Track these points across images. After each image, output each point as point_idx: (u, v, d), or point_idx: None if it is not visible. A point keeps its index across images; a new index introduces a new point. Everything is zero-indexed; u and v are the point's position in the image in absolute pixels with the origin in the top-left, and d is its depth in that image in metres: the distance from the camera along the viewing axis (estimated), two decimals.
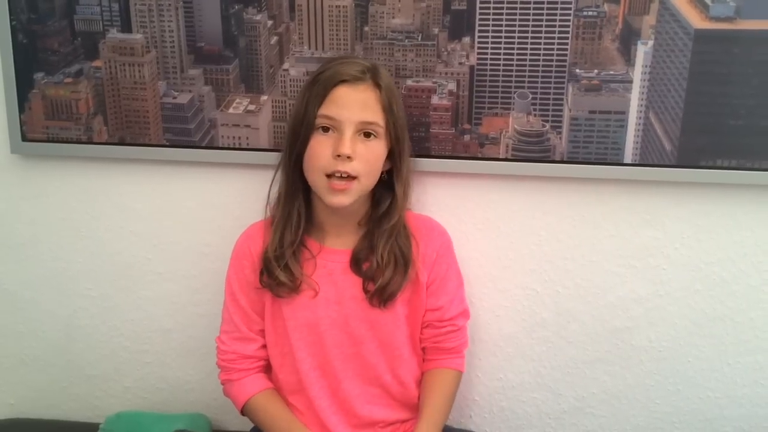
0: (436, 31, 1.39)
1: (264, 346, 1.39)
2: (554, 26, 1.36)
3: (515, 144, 1.43)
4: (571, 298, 1.52)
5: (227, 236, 1.49)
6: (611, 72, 1.37)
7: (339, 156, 1.24)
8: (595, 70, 1.38)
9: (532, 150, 1.43)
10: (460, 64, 1.40)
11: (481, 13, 1.37)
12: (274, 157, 1.39)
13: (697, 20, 1.32)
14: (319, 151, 1.26)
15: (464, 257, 1.47)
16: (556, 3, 1.34)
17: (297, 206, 1.33)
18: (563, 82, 1.39)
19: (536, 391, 1.58)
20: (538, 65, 1.38)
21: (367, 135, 1.27)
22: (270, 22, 1.43)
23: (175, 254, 1.58)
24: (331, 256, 1.35)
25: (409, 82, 1.42)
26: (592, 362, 1.55)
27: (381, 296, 1.32)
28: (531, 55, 1.38)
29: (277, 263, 1.31)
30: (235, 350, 1.38)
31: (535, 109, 1.41)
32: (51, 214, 1.59)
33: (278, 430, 1.35)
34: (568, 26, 1.36)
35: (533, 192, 1.46)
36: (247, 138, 1.48)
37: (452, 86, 1.42)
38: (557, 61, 1.38)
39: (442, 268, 1.38)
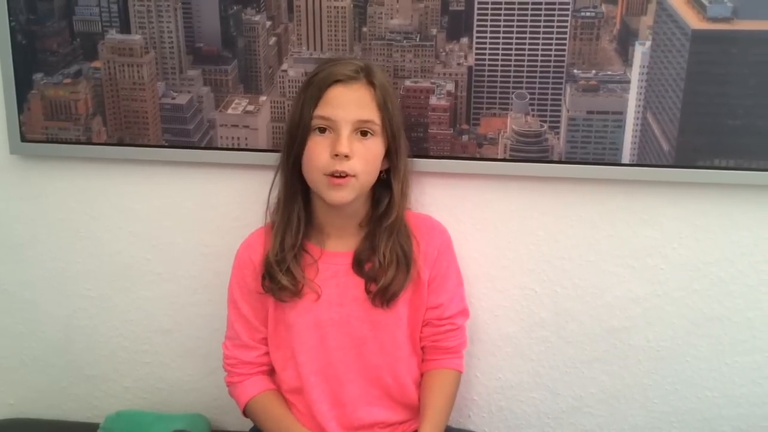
0: (434, 31, 1.40)
1: (266, 353, 1.40)
2: (552, 27, 1.36)
3: (513, 144, 1.43)
4: (569, 298, 1.52)
5: (226, 236, 1.49)
6: (609, 72, 1.38)
7: (337, 155, 1.25)
8: (593, 71, 1.38)
9: (530, 150, 1.43)
10: (459, 64, 1.41)
11: (479, 14, 1.37)
12: (272, 158, 1.39)
13: (694, 21, 1.32)
14: (317, 152, 1.26)
15: (463, 257, 1.47)
16: (554, 3, 1.35)
17: (297, 210, 1.33)
18: (561, 83, 1.39)
19: (535, 390, 1.59)
20: (536, 66, 1.38)
21: (364, 133, 1.27)
22: (269, 23, 1.43)
23: (174, 254, 1.59)
24: (333, 259, 1.35)
25: (408, 82, 1.42)
26: (591, 362, 1.55)
27: (384, 296, 1.32)
28: (529, 55, 1.38)
29: (279, 267, 1.32)
30: (237, 356, 1.40)
31: (533, 110, 1.41)
32: (50, 214, 1.60)
33: (278, 430, 1.35)
34: (566, 27, 1.36)
35: (531, 192, 1.47)
36: (246, 138, 1.48)
37: (450, 87, 1.42)
38: (555, 61, 1.38)
39: (442, 265, 1.39)
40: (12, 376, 1.71)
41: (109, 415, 1.60)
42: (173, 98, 1.48)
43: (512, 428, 1.61)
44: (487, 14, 1.37)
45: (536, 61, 1.38)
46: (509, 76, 1.40)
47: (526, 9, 1.36)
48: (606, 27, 1.36)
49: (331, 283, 1.34)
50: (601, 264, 1.50)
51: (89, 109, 1.50)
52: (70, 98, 1.50)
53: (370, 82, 1.28)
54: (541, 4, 1.35)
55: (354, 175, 1.26)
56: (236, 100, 1.47)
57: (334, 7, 1.40)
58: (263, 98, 1.46)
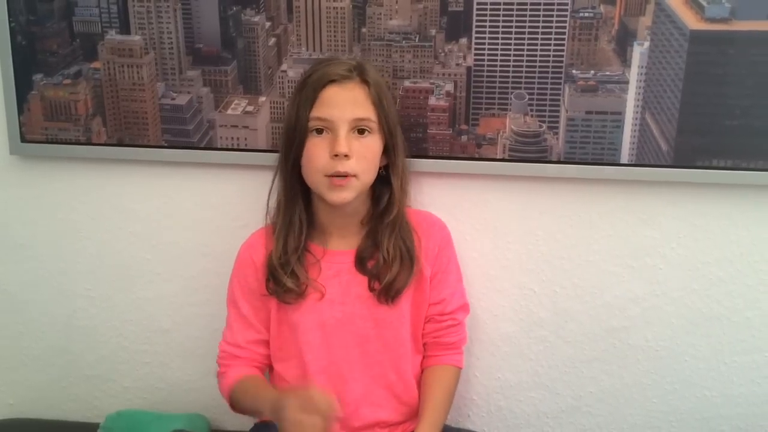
0: (433, 32, 1.40)
1: (261, 355, 1.39)
2: (551, 27, 1.36)
3: (512, 144, 1.43)
4: (568, 297, 1.52)
5: (226, 237, 1.50)
6: (607, 73, 1.38)
7: (336, 156, 1.25)
8: (592, 71, 1.38)
9: (529, 150, 1.43)
10: (458, 65, 1.41)
11: (477, 15, 1.38)
12: (272, 158, 1.39)
13: (692, 21, 1.33)
14: (316, 154, 1.27)
15: (462, 257, 1.47)
16: (553, 4, 1.35)
17: (298, 211, 1.33)
18: (560, 83, 1.39)
19: (534, 390, 1.59)
20: (534, 66, 1.39)
21: (361, 132, 1.28)
22: (268, 24, 1.43)
23: (174, 254, 1.59)
24: (336, 258, 1.35)
25: (407, 83, 1.43)
26: (590, 361, 1.56)
27: (388, 293, 1.33)
28: (528, 56, 1.38)
29: (283, 270, 1.32)
30: (230, 353, 1.39)
31: (531, 110, 1.41)
32: (50, 214, 1.60)
33: (262, 401, 1.29)
34: (565, 27, 1.36)
35: (530, 192, 1.47)
36: (246, 139, 1.49)
37: (449, 87, 1.42)
38: (554, 62, 1.38)
39: (443, 261, 1.40)
40: (12, 376, 1.72)
41: (110, 415, 1.61)
42: (173, 99, 1.48)
43: (511, 428, 1.61)
44: (486, 15, 1.38)
45: (535, 61, 1.38)
46: (508, 77, 1.40)
47: (525, 9, 1.36)
48: (604, 27, 1.36)
49: (333, 282, 1.35)
50: (600, 264, 1.50)
51: (89, 109, 1.51)
52: (70, 99, 1.50)
53: (364, 81, 1.28)
54: (539, 4, 1.35)
55: (354, 175, 1.27)
56: (236, 101, 1.47)
57: (334, 7, 1.40)
58: (263, 99, 1.46)
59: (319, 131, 1.27)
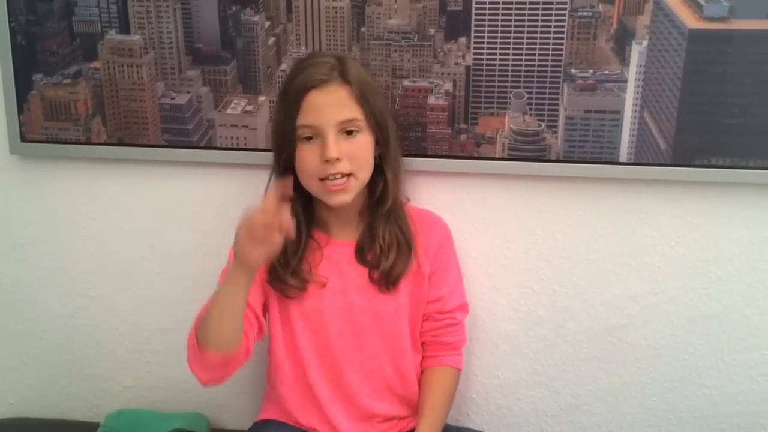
0: (432, 31, 1.40)
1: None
2: (549, 26, 1.37)
3: (511, 143, 1.44)
4: (567, 296, 1.53)
5: (226, 236, 1.49)
6: (606, 72, 1.38)
7: (327, 161, 1.25)
8: (590, 70, 1.39)
9: (528, 149, 1.44)
10: (457, 64, 1.41)
11: (476, 14, 1.38)
12: (272, 157, 1.39)
13: (691, 20, 1.33)
14: (308, 160, 1.27)
15: (461, 256, 1.48)
16: (551, 3, 1.35)
17: (297, 214, 1.32)
18: (558, 82, 1.40)
19: (533, 388, 1.59)
20: (533, 65, 1.39)
21: (350, 132, 1.27)
22: (267, 23, 1.43)
23: (174, 254, 1.59)
24: (336, 248, 1.36)
25: (406, 82, 1.43)
26: (589, 360, 1.56)
27: (387, 279, 1.34)
28: (526, 55, 1.39)
29: (285, 270, 1.32)
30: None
31: (530, 109, 1.42)
32: (50, 214, 1.60)
33: (217, 296, 1.22)
34: (563, 26, 1.37)
35: (529, 191, 1.47)
36: (245, 138, 1.49)
37: (449, 86, 1.43)
38: (552, 61, 1.38)
39: (443, 258, 1.40)
40: (12, 376, 1.72)
41: (110, 414, 1.61)
42: (172, 98, 1.49)
43: (511, 426, 1.62)
44: (484, 14, 1.38)
45: (534, 60, 1.39)
46: (507, 76, 1.40)
47: (524, 9, 1.36)
48: (603, 26, 1.36)
49: (334, 272, 1.35)
50: (599, 262, 1.50)
51: (89, 109, 1.51)
52: (70, 98, 1.51)
53: (345, 80, 1.26)
54: (538, 3, 1.36)
55: (350, 174, 1.27)
56: (235, 100, 1.48)
57: (333, 7, 1.41)
58: (262, 98, 1.47)
59: (309, 138, 1.27)
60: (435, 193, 1.47)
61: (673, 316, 1.52)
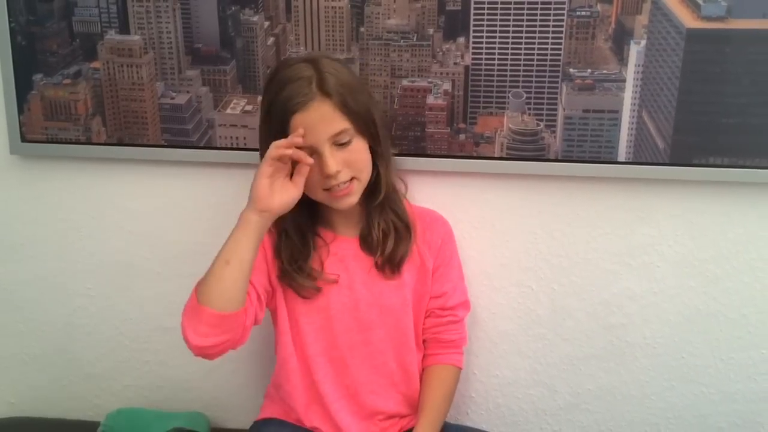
0: (431, 31, 1.41)
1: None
2: (548, 26, 1.37)
3: (510, 143, 1.44)
4: (566, 295, 1.53)
5: (225, 236, 1.50)
6: (604, 71, 1.39)
7: (328, 176, 1.25)
8: (589, 70, 1.39)
9: (527, 149, 1.44)
10: (455, 64, 1.42)
11: (475, 14, 1.38)
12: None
13: (689, 20, 1.33)
14: (310, 176, 1.25)
15: (461, 255, 1.48)
16: (550, 3, 1.36)
17: (303, 219, 1.33)
18: (557, 82, 1.40)
19: (532, 387, 1.60)
20: (532, 65, 1.39)
21: (342, 143, 1.26)
22: (267, 23, 1.44)
23: (173, 253, 1.59)
24: (342, 244, 1.37)
25: (405, 82, 1.43)
26: (587, 359, 1.56)
27: (391, 263, 1.34)
28: (525, 54, 1.39)
29: (298, 272, 1.33)
30: None
31: (529, 109, 1.42)
32: (50, 214, 1.60)
33: (225, 245, 1.23)
34: (562, 26, 1.37)
35: (528, 190, 1.47)
36: (245, 138, 1.49)
37: (447, 86, 1.43)
38: (551, 60, 1.39)
39: (446, 254, 1.41)
40: (13, 375, 1.72)
41: (110, 413, 1.61)
42: (172, 98, 1.49)
43: (510, 425, 1.62)
44: (483, 14, 1.38)
45: (532, 60, 1.39)
46: (506, 76, 1.41)
47: (522, 8, 1.37)
48: (601, 26, 1.37)
49: (340, 267, 1.36)
50: (597, 261, 1.50)
51: (89, 109, 1.51)
52: (70, 99, 1.51)
53: (325, 93, 1.22)
54: (537, 3, 1.36)
55: (352, 178, 1.28)
56: (235, 100, 1.48)
57: (332, 7, 1.41)
58: (261, 98, 1.47)
59: None
60: (434, 193, 1.48)
61: (671, 315, 1.52)
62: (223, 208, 1.54)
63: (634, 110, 1.40)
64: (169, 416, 1.60)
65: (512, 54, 1.39)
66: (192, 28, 1.45)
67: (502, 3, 1.37)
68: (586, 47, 1.38)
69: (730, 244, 1.47)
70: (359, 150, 1.29)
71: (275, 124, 1.25)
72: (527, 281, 1.53)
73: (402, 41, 1.42)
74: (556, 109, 1.42)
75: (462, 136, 1.45)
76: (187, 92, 1.48)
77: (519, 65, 1.40)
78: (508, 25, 1.38)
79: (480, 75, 1.42)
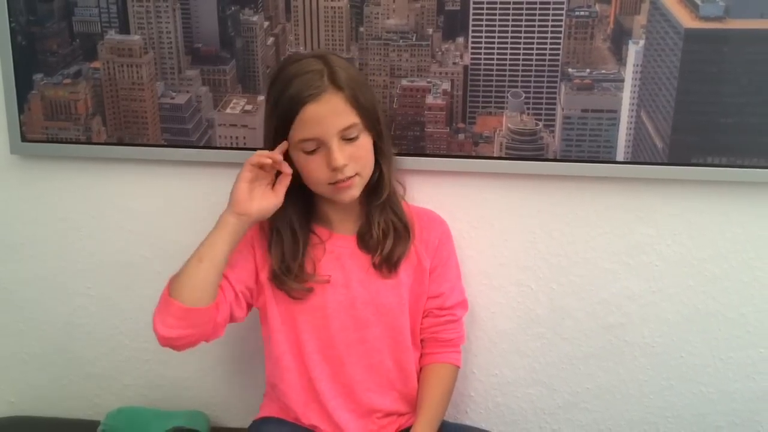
0: (430, 31, 1.41)
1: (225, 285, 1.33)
2: (547, 26, 1.37)
3: (509, 142, 1.44)
4: (565, 294, 1.53)
5: None
6: (603, 71, 1.39)
7: (335, 169, 1.25)
8: (587, 70, 1.40)
9: (526, 148, 1.44)
10: (454, 64, 1.42)
11: (474, 14, 1.39)
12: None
13: (687, 20, 1.34)
14: (315, 170, 1.27)
15: (460, 255, 1.48)
16: (549, 3, 1.36)
17: (296, 219, 1.34)
18: (556, 82, 1.40)
19: (531, 386, 1.60)
20: (531, 65, 1.40)
21: (350, 138, 1.27)
22: (266, 23, 1.44)
23: (173, 253, 1.58)
24: (338, 242, 1.37)
25: (404, 81, 1.44)
26: (586, 358, 1.57)
27: (388, 263, 1.35)
28: (524, 54, 1.39)
29: (288, 275, 1.33)
30: None
31: (528, 108, 1.42)
32: (50, 213, 1.61)
33: (201, 245, 1.27)
34: (561, 26, 1.37)
35: (527, 190, 1.48)
36: (245, 138, 1.50)
37: (446, 86, 1.43)
38: (550, 60, 1.39)
39: (443, 255, 1.42)
40: (13, 374, 1.73)
41: (110, 412, 1.61)
42: (172, 98, 1.49)
43: (509, 424, 1.63)
44: (482, 14, 1.39)
45: (531, 60, 1.39)
46: (505, 75, 1.41)
47: (521, 9, 1.37)
48: (600, 26, 1.37)
49: (336, 265, 1.36)
50: (596, 261, 1.51)
51: (89, 109, 1.52)
52: (70, 98, 1.51)
53: (338, 87, 1.24)
54: (535, 3, 1.36)
55: (356, 174, 1.28)
56: (234, 100, 1.49)
57: (331, 7, 1.41)
58: (261, 98, 1.47)
59: (312, 151, 1.26)
60: (433, 192, 1.48)
61: (670, 315, 1.52)
62: (222, 207, 1.53)
63: (632, 110, 1.40)
64: (169, 415, 1.60)
65: (511, 54, 1.40)
66: (192, 28, 1.46)
67: (501, 3, 1.37)
68: (585, 47, 1.38)
69: (728, 243, 1.47)
70: (365, 146, 1.29)
71: (281, 118, 1.26)
72: (526, 281, 1.54)
73: (401, 41, 1.42)
74: (554, 109, 1.42)
75: (461, 136, 1.45)
76: (187, 92, 1.49)
77: (518, 65, 1.40)
78: (507, 25, 1.38)
79: (479, 75, 1.42)
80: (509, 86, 1.42)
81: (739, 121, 1.38)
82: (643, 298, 1.52)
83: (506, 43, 1.39)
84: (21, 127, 1.53)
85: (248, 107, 1.48)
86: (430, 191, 1.48)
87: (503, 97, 1.42)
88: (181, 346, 1.26)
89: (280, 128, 1.26)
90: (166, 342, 1.24)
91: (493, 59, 1.41)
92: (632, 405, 1.59)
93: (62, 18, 1.47)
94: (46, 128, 1.53)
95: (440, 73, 1.43)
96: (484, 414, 1.62)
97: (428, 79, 1.43)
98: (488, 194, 1.49)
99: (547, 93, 1.41)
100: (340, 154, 1.25)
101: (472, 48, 1.41)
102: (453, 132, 1.45)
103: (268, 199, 1.27)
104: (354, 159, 1.27)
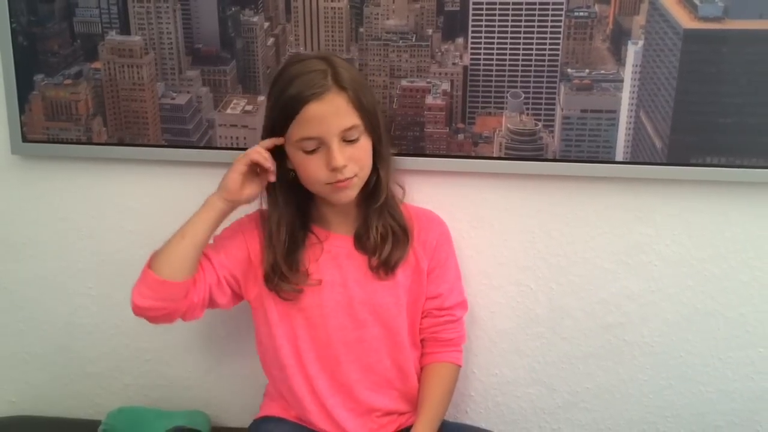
0: (429, 32, 1.41)
1: (207, 266, 1.35)
2: (546, 27, 1.38)
3: (508, 143, 1.45)
4: (564, 294, 1.54)
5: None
6: (602, 71, 1.39)
7: (335, 169, 1.26)
8: (587, 70, 1.40)
9: (525, 148, 1.45)
10: (454, 64, 1.42)
11: (474, 14, 1.39)
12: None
13: (686, 20, 1.34)
14: (314, 170, 1.27)
15: (459, 255, 1.49)
16: (548, 4, 1.36)
17: (297, 222, 1.35)
18: (555, 82, 1.41)
19: (531, 386, 1.60)
20: (530, 65, 1.40)
21: (350, 139, 1.27)
22: (267, 24, 1.45)
23: None
24: (336, 242, 1.38)
25: (404, 82, 1.44)
26: (586, 358, 1.57)
27: (386, 266, 1.35)
28: (523, 55, 1.40)
29: (279, 276, 1.34)
30: None
31: (527, 109, 1.43)
32: (51, 213, 1.61)
33: (185, 223, 1.31)
34: (560, 26, 1.38)
35: (526, 190, 1.48)
36: (245, 138, 1.50)
37: (446, 86, 1.44)
38: (549, 61, 1.40)
39: (441, 255, 1.42)
40: (14, 374, 1.73)
41: (111, 412, 1.61)
42: (173, 98, 1.50)
43: (509, 423, 1.63)
44: (482, 14, 1.39)
45: (530, 60, 1.40)
46: (504, 76, 1.42)
47: (521, 9, 1.37)
48: (599, 27, 1.37)
49: (333, 265, 1.37)
50: (595, 261, 1.51)
51: (90, 109, 1.52)
52: (71, 99, 1.52)
53: (341, 87, 1.24)
54: (535, 4, 1.37)
55: (355, 175, 1.29)
56: (235, 100, 1.49)
57: (331, 8, 1.42)
58: (261, 98, 1.47)
59: (312, 150, 1.26)
60: (433, 193, 1.48)
61: (669, 314, 1.53)
62: None
63: (631, 110, 1.41)
64: (169, 415, 1.61)
65: (510, 54, 1.40)
66: (192, 29, 1.46)
67: (500, 4, 1.38)
68: (584, 47, 1.39)
69: (727, 243, 1.47)
70: (364, 148, 1.30)
71: (281, 115, 1.26)
72: (526, 280, 1.54)
73: (401, 42, 1.42)
74: (554, 109, 1.42)
75: (461, 136, 1.46)
76: (188, 92, 1.49)
77: (517, 65, 1.40)
78: (507, 26, 1.39)
79: (478, 75, 1.42)
80: (509, 86, 1.42)
81: (738, 122, 1.38)
82: (642, 297, 1.52)
83: (506, 43, 1.40)
84: (22, 128, 1.53)
85: (248, 108, 1.48)
86: (429, 191, 1.48)
87: (503, 97, 1.43)
88: (154, 318, 1.31)
89: (279, 125, 1.27)
90: (139, 311, 1.30)
91: (492, 60, 1.41)
92: (632, 404, 1.59)
93: (63, 18, 1.47)
94: (47, 128, 1.54)
95: (440, 74, 1.43)
96: (484, 413, 1.63)
97: (428, 80, 1.44)
98: (488, 194, 1.49)
99: (547, 93, 1.42)
100: (340, 154, 1.25)
101: (472, 48, 1.41)
102: (452, 132, 1.46)
103: (253, 188, 1.31)
104: (353, 160, 1.27)
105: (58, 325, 1.68)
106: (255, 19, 1.44)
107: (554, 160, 1.44)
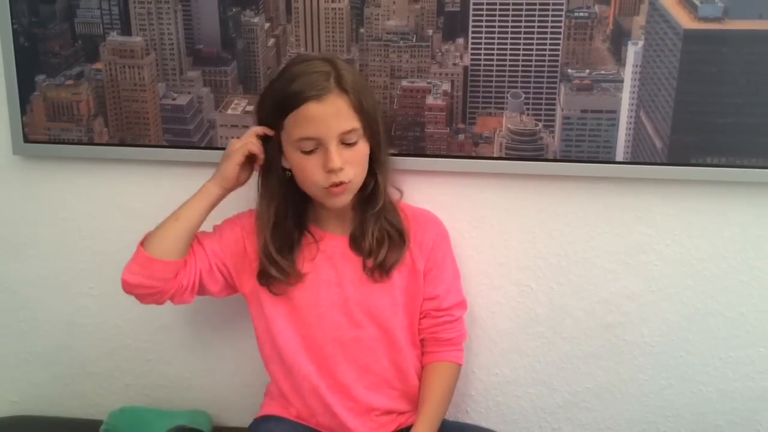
0: (430, 32, 1.42)
1: (199, 250, 1.37)
2: (546, 27, 1.38)
3: (509, 143, 1.45)
4: (564, 294, 1.54)
5: None
6: (602, 72, 1.40)
7: (331, 170, 1.26)
8: (587, 70, 1.40)
9: (526, 149, 1.45)
10: (454, 64, 1.43)
11: (474, 15, 1.39)
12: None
13: (686, 21, 1.34)
14: (311, 171, 1.28)
15: (459, 255, 1.49)
16: (548, 4, 1.37)
17: (293, 224, 1.36)
18: (555, 82, 1.41)
19: (531, 386, 1.61)
20: (530, 65, 1.40)
21: (349, 142, 1.27)
22: (267, 25, 1.45)
23: None
24: (331, 242, 1.38)
25: (404, 82, 1.44)
26: (586, 357, 1.57)
27: (381, 269, 1.36)
28: (524, 55, 1.40)
29: (277, 268, 1.34)
30: None
31: (528, 109, 1.43)
32: (52, 214, 1.61)
33: (180, 206, 1.34)
34: (560, 27, 1.38)
35: (527, 190, 1.48)
36: None
37: (446, 86, 1.44)
38: (549, 61, 1.40)
39: (438, 256, 1.41)
40: (15, 374, 1.73)
41: (113, 412, 1.62)
42: (174, 99, 1.50)
43: (509, 423, 1.63)
44: (482, 15, 1.39)
45: (531, 60, 1.40)
46: (504, 76, 1.42)
47: (521, 9, 1.38)
48: (599, 27, 1.38)
49: (328, 265, 1.37)
50: (596, 260, 1.51)
51: (91, 110, 1.52)
52: (72, 99, 1.52)
53: (343, 89, 1.25)
54: (535, 4, 1.37)
55: (350, 180, 1.29)
56: (236, 101, 1.49)
57: (332, 8, 1.42)
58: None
59: (310, 151, 1.27)
60: (433, 193, 1.49)
61: (669, 314, 1.53)
62: (223, 208, 1.55)
63: (631, 110, 1.41)
64: (171, 415, 1.61)
65: (511, 55, 1.40)
66: (193, 30, 1.46)
67: (500, 4, 1.38)
68: (584, 48, 1.39)
69: (727, 243, 1.48)
70: (362, 152, 1.30)
71: (275, 109, 1.27)
72: (526, 280, 1.54)
73: (401, 42, 1.43)
74: (554, 110, 1.43)
75: (461, 137, 1.46)
76: (189, 93, 1.49)
77: (517, 66, 1.41)
78: (507, 26, 1.39)
79: (479, 75, 1.42)
80: (509, 87, 1.42)
81: (737, 122, 1.38)
82: (642, 297, 1.52)
83: (506, 43, 1.40)
84: (23, 128, 1.54)
85: (249, 108, 1.48)
86: (430, 191, 1.49)
87: (503, 97, 1.43)
88: (143, 296, 1.34)
89: (272, 117, 1.28)
90: (128, 288, 1.32)
91: (492, 60, 1.41)
92: (632, 404, 1.59)
93: (64, 19, 1.48)
94: (48, 129, 1.54)
95: (440, 74, 1.44)
96: (484, 413, 1.63)
97: (428, 80, 1.44)
98: (488, 194, 1.49)
99: (547, 93, 1.42)
100: (338, 156, 1.25)
101: (472, 49, 1.41)
102: (453, 132, 1.46)
103: (246, 173, 1.35)
104: (350, 164, 1.28)
105: (59, 325, 1.68)
106: (256, 19, 1.44)
107: (554, 160, 1.44)
